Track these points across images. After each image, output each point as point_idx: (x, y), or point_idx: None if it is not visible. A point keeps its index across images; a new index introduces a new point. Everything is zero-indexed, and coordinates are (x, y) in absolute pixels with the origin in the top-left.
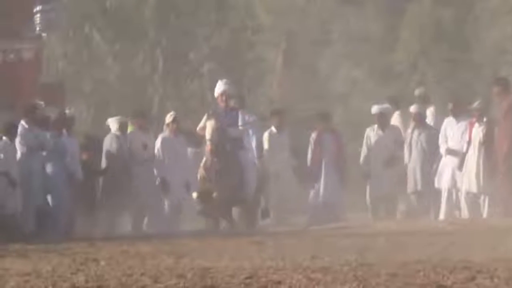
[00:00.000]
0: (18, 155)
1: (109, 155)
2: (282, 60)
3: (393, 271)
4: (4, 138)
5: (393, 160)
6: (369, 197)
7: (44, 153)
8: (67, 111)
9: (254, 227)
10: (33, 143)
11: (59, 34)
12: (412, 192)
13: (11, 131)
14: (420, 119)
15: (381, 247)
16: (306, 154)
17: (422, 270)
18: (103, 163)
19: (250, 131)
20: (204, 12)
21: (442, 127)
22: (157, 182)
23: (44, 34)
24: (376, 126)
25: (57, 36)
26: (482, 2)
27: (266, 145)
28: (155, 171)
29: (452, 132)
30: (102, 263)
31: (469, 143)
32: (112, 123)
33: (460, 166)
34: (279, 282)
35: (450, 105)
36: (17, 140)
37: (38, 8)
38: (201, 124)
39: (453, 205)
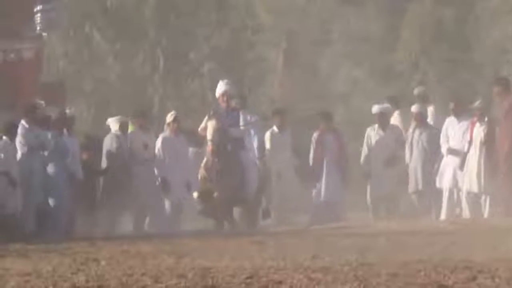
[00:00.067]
0: (19, 154)
1: (110, 155)
2: (282, 60)
3: (394, 271)
4: (4, 137)
5: (394, 159)
6: (369, 197)
7: (44, 153)
8: (67, 111)
9: (255, 227)
10: (34, 142)
11: (60, 34)
12: (413, 192)
13: (11, 131)
14: (421, 119)
15: (382, 247)
16: (308, 153)
17: (423, 270)
18: (104, 163)
19: (252, 131)
20: (205, 12)
21: (443, 127)
22: (157, 182)
23: (44, 34)
24: (376, 125)
25: (57, 36)
26: (483, 2)
27: (268, 145)
28: (155, 171)
29: (454, 131)
30: (103, 263)
31: (470, 142)
32: (113, 123)
33: (461, 165)
34: (280, 282)
35: (451, 105)
36: (18, 140)
37: (39, 7)
38: (202, 125)
39: (454, 205)
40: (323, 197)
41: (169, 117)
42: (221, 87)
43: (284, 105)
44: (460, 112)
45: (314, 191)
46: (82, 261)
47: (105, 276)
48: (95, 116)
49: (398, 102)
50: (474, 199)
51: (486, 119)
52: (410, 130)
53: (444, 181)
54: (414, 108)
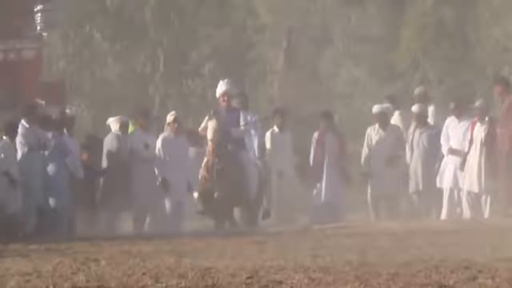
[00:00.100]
0: (19, 154)
1: (110, 154)
2: (283, 59)
3: (395, 271)
4: (4, 137)
5: (394, 159)
6: (370, 197)
7: (44, 153)
8: (67, 111)
9: (255, 227)
10: (34, 142)
11: (60, 34)
12: (414, 192)
13: (11, 131)
14: (421, 119)
15: (383, 247)
16: (308, 153)
17: (424, 270)
18: (104, 163)
19: (252, 131)
20: (205, 11)
21: (444, 127)
22: (158, 182)
23: (44, 34)
24: (377, 125)
25: (58, 36)
26: (484, 1)
27: (268, 145)
28: (155, 171)
29: (454, 131)
30: (103, 262)
31: (470, 142)
32: (113, 123)
33: (462, 165)
34: (280, 282)
35: (452, 105)
36: (18, 140)
37: (39, 7)
38: (203, 125)
39: (455, 204)
40: (324, 197)
41: (169, 117)
42: (221, 87)
43: (285, 105)
44: (461, 112)
45: (314, 191)
46: (82, 261)
47: (105, 276)
48: (95, 116)
49: (398, 102)
50: (475, 199)
51: (486, 119)
52: (411, 130)
53: (444, 181)
54: (414, 108)
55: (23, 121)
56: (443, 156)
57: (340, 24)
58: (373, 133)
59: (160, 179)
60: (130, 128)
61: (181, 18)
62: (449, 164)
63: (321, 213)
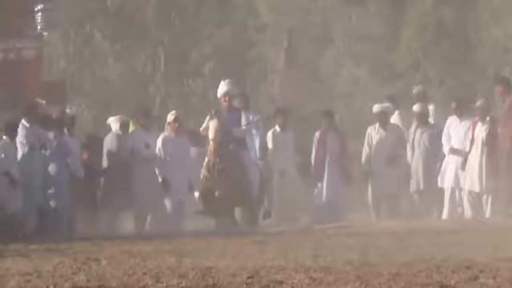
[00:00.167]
0: (19, 154)
1: (110, 154)
2: (284, 59)
3: (396, 271)
4: (4, 137)
5: (395, 158)
6: (371, 196)
7: (45, 152)
8: (68, 110)
9: (256, 226)
10: (34, 142)
11: (60, 33)
12: (415, 192)
13: (11, 131)
14: (423, 118)
15: (384, 247)
16: (310, 153)
17: (425, 270)
18: (104, 163)
19: (254, 131)
20: (206, 11)
21: (445, 126)
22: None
23: (45, 33)
24: (377, 125)
25: (58, 35)
26: (484, 1)
27: (270, 144)
28: (156, 171)
29: (456, 131)
30: (104, 262)
31: (472, 142)
32: (113, 122)
33: (463, 165)
34: (281, 282)
35: (453, 105)
36: (18, 140)
37: (39, 7)
38: (204, 124)
39: (456, 204)
40: (325, 197)
41: (170, 117)
42: (222, 88)
43: (286, 104)
44: (462, 111)
45: (315, 191)
46: (83, 261)
47: (106, 275)
48: (96, 115)
49: (397, 101)
50: (476, 199)
51: (487, 118)
52: (412, 129)
53: (446, 181)
54: (415, 108)
55: (23, 121)
56: (444, 156)
57: (341, 24)
58: (374, 132)
59: (160, 179)
60: (131, 128)
61: (181, 18)
62: (450, 163)
63: (322, 213)
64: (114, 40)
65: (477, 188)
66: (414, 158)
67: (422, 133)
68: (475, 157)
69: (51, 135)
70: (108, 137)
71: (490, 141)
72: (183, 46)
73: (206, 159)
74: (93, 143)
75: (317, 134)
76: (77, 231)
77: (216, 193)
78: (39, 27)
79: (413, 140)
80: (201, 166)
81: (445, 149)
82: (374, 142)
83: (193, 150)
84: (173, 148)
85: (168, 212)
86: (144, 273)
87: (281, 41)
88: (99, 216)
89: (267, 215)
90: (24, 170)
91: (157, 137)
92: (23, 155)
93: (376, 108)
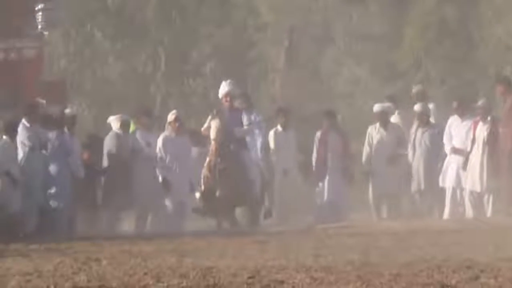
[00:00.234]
0: (20, 154)
1: (111, 154)
2: (284, 58)
3: (397, 271)
4: (4, 137)
5: (396, 158)
6: (371, 196)
7: (46, 152)
8: (68, 110)
9: (257, 226)
10: (35, 142)
11: (61, 32)
12: (416, 191)
13: (12, 130)
14: (424, 118)
15: (385, 247)
16: (311, 152)
17: (426, 270)
18: (105, 162)
19: (256, 131)
20: (207, 10)
21: (447, 126)
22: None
23: (46, 33)
24: (378, 124)
25: (59, 34)
26: (486, 0)
27: (272, 144)
28: (157, 170)
29: (457, 131)
30: (104, 262)
31: (473, 142)
32: (114, 122)
33: (465, 165)
34: (282, 282)
35: (454, 104)
36: (19, 139)
37: (40, 6)
38: (205, 124)
39: (457, 204)
40: (326, 196)
41: (171, 116)
42: (224, 88)
43: (286, 104)
44: (463, 111)
45: (317, 190)
46: (83, 261)
47: (106, 275)
48: (96, 115)
49: (398, 101)
50: (477, 198)
51: (489, 118)
52: (413, 129)
53: (447, 180)
54: (417, 107)
55: (24, 121)
56: (445, 156)
57: (342, 23)
58: (374, 132)
59: (161, 179)
60: (132, 127)
61: (182, 17)
62: (451, 163)
63: (323, 212)
64: (114, 40)
65: (478, 188)
66: (415, 158)
67: (423, 132)
68: (477, 156)
69: (51, 134)
70: (108, 136)
71: (492, 141)
72: (184, 46)
73: (208, 159)
74: (94, 142)
75: (319, 133)
76: (78, 231)
77: (217, 193)
78: (39, 27)
79: (414, 139)
80: (202, 166)
81: (447, 148)
82: (375, 141)
83: (194, 150)
84: (173, 148)
85: (169, 212)
86: (145, 273)
87: (281, 40)
88: (99, 216)
89: (268, 215)
90: (25, 170)
91: (158, 136)
92: (23, 155)
93: (376, 107)
